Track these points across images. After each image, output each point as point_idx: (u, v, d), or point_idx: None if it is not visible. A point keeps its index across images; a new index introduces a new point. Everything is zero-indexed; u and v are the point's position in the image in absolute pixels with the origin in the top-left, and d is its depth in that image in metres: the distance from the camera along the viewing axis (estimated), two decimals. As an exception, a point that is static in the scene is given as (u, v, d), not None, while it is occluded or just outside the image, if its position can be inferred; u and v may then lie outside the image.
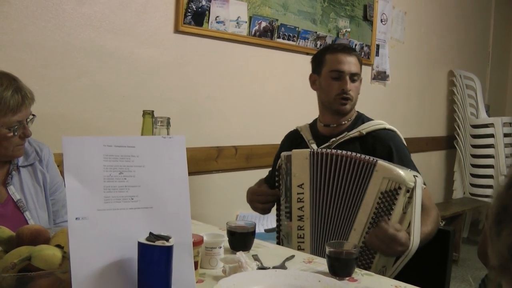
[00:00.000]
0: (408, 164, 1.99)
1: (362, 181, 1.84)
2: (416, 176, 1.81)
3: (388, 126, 2.10)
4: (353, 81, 2.10)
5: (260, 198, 2.14)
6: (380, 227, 1.72)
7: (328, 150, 1.93)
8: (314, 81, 2.21)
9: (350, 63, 2.10)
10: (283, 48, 3.31)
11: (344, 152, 1.89)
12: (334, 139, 2.10)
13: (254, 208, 2.20)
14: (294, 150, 2.00)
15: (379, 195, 1.79)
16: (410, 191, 1.78)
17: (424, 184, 1.97)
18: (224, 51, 3.00)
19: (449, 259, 2.08)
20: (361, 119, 2.16)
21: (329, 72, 2.11)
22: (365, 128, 2.09)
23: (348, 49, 2.15)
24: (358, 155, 1.87)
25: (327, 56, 2.14)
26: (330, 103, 2.12)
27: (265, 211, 2.18)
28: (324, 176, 1.91)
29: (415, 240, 1.77)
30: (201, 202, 2.92)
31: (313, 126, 2.27)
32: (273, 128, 3.24)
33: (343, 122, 2.14)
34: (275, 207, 2.12)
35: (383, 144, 2.02)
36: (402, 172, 1.78)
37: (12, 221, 1.70)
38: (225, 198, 3.06)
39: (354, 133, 2.09)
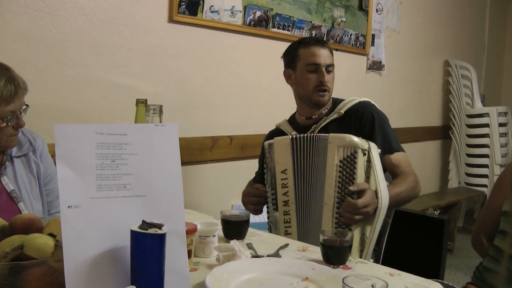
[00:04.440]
0: (389, 131, 2.10)
1: (322, 156, 1.92)
2: (368, 141, 1.90)
3: (361, 98, 2.18)
4: (328, 72, 2.16)
5: (252, 200, 2.17)
6: (347, 203, 1.81)
7: (307, 134, 2.00)
8: (289, 76, 2.25)
9: (324, 55, 2.15)
10: (278, 37, 3.30)
11: (312, 134, 1.98)
12: (315, 125, 2.16)
13: (247, 209, 2.22)
14: (275, 138, 2.06)
15: (339, 163, 1.86)
16: (367, 154, 1.86)
17: (398, 150, 2.08)
18: (218, 40, 2.99)
19: (444, 248, 2.09)
20: (337, 102, 2.23)
21: (306, 66, 2.15)
22: (341, 107, 2.16)
23: (321, 42, 2.19)
24: (314, 134, 1.97)
25: (301, 51, 2.18)
26: (308, 96, 2.17)
27: (256, 211, 2.21)
28: (304, 159, 1.97)
29: (383, 197, 1.85)
30: (196, 192, 2.92)
31: (292, 120, 2.33)
32: (268, 117, 3.22)
33: (323, 112, 2.20)
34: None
35: (367, 114, 2.10)
36: (354, 137, 1.87)
37: (6, 212, 1.70)
38: (220, 188, 3.06)
39: (332, 115, 2.15)
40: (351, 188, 1.82)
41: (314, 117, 2.20)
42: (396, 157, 2.06)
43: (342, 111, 2.13)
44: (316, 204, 1.94)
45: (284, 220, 1.99)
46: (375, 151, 1.89)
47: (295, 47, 2.21)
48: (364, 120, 2.08)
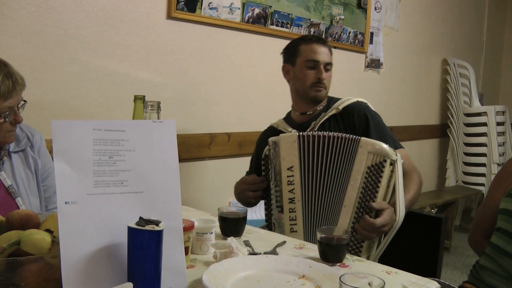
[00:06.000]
0: (384, 131, 2.13)
1: (348, 158, 1.91)
2: (396, 151, 1.90)
3: (359, 99, 2.23)
4: (326, 70, 2.22)
5: (251, 187, 2.14)
6: (365, 221, 1.80)
7: (315, 132, 1.99)
8: (287, 71, 2.30)
9: (324, 53, 2.20)
10: (276, 35, 3.29)
11: (330, 133, 1.96)
12: (314, 122, 2.20)
13: (245, 197, 2.18)
14: (281, 135, 2.04)
15: (366, 169, 1.86)
16: (393, 165, 1.85)
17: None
18: (217, 37, 2.99)
19: (441, 247, 2.09)
20: (333, 100, 2.27)
21: (305, 62, 2.20)
22: (339, 104, 2.20)
23: (322, 40, 2.25)
24: (343, 134, 1.94)
25: (302, 47, 2.23)
26: (305, 91, 2.22)
27: (256, 199, 2.18)
28: (313, 157, 1.95)
29: (401, 213, 1.85)
30: (194, 189, 2.92)
31: (288, 118, 2.35)
32: (266, 114, 3.23)
33: (318, 108, 2.24)
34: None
35: (360, 114, 2.15)
36: (384, 145, 1.87)
37: (4, 207, 1.70)
38: (218, 184, 3.06)
39: (331, 110, 2.20)
40: (374, 205, 1.81)
41: (309, 113, 2.25)
42: None
43: (341, 107, 2.18)
44: (331, 204, 1.92)
45: (290, 218, 1.97)
46: (400, 163, 1.87)
47: (296, 43, 2.25)
48: (356, 119, 2.13)
